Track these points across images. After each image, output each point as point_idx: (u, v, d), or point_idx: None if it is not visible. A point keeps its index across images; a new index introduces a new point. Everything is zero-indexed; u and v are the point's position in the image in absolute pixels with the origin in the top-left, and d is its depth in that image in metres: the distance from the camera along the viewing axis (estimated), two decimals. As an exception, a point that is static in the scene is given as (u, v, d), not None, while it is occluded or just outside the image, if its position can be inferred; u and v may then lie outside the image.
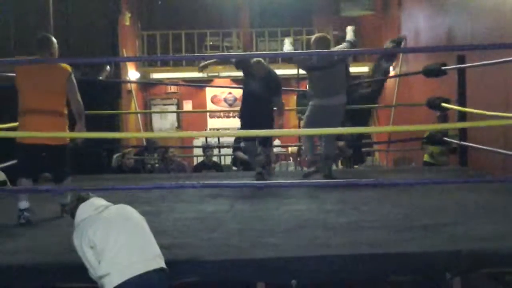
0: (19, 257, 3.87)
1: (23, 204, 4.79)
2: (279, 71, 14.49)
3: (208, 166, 9.27)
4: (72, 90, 5.00)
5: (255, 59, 6.71)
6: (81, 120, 5.01)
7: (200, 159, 10.71)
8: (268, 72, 6.68)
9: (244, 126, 6.69)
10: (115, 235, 3.30)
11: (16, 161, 5.10)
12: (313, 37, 6.74)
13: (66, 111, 5.01)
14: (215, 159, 10.01)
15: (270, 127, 6.49)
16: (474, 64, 6.72)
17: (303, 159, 10.61)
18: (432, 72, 7.26)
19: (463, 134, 7.28)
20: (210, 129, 14.74)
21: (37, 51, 5.02)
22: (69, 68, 5.02)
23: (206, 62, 6.98)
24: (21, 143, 4.84)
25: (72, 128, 5.06)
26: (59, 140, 4.90)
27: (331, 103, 6.38)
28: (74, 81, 5.04)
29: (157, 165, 10.02)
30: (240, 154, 8.44)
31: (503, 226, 4.30)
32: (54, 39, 5.11)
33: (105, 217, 3.40)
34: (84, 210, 3.45)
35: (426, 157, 8.61)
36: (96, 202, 3.52)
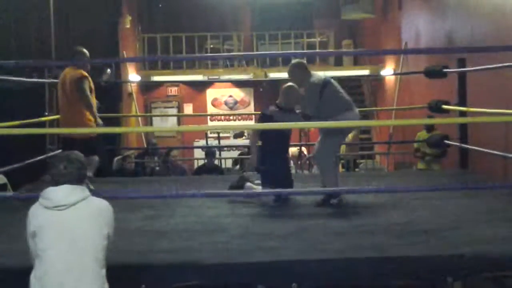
0: (18, 259, 3.86)
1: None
2: (279, 74, 14.66)
3: (209, 169, 9.26)
4: (78, 90, 5.90)
5: (287, 84, 5.69)
6: (89, 112, 5.95)
7: (201, 162, 10.72)
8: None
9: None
10: (56, 250, 2.99)
11: None
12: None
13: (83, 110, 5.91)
14: (215, 162, 10.01)
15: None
16: (475, 68, 6.71)
17: (303, 162, 10.61)
18: (434, 73, 7.25)
19: (463, 136, 7.27)
20: (210, 132, 14.77)
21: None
22: (80, 73, 5.88)
23: None
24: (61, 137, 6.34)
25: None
26: (80, 135, 5.83)
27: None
28: (82, 83, 5.88)
29: (157, 168, 10.02)
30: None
31: (504, 230, 4.30)
32: (82, 51, 6.05)
33: (59, 220, 3.04)
34: (47, 195, 3.10)
35: (419, 165, 8.68)
36: (61, 195, 3.08)
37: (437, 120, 7.85)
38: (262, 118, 5.83)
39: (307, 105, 5.50)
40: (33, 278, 3.01)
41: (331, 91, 5.48)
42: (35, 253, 3.04)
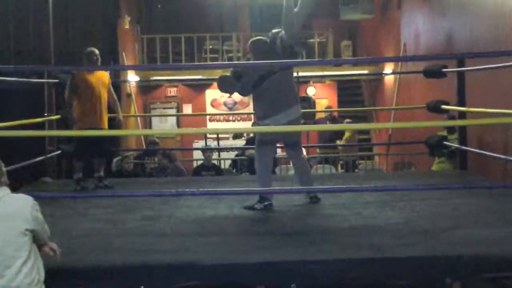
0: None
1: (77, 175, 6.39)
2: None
3: (208, 167, 9.30)
4: None
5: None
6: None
7: (200, 163, 10.71)
8: None
9: None
10: None
11: None
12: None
13: (77, 107, 6.33)
14: (214, 162, 10.01)
15: None
16: (474, 68, 6.70)
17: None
18: (433, 73, 7.24)
19: (463, 137, 7.26)
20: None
21: None
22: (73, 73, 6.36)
23: None
24: None
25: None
26: None
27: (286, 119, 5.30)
28: (69, 83, 6.33)
29: (156, 165, 9.98)
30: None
31: (503, 231, 4.30)
32: (89, 51, 6.42)
33: None
34: None
35: (434, 167, 8.52)
36: None
37: (435, 123, 7.81)
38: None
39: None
40: None
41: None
42: None
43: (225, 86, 5.57)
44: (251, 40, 5.66)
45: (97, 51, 6.43)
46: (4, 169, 3.34)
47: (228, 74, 5.53)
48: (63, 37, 9.38)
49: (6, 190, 3.27)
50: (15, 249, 3.10)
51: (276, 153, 5.72)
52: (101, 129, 6.39)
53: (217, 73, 15.14)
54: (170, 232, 4.54)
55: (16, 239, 3.12)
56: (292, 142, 5.60)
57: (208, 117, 16.30)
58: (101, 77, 6.49)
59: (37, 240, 3.25)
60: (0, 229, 3.11)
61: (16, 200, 3.25)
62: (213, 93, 16.58)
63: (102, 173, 6.61)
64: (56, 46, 8.44)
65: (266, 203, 5.25)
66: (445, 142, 7.53)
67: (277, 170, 9.55)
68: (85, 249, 3.93)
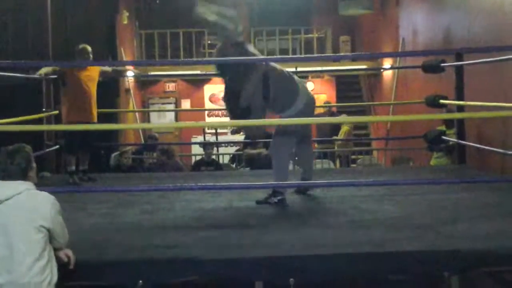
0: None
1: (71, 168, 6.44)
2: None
3: (207, 163, 9.32)
4: None
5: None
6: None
7: (198, 158, 10.73)
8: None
9: None
10: None
11: None
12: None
13: (66, 102, 6.40)
14: (213, 157, 10.03)
15: None
16: (472, 61, 6.70)
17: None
18: (431, 67, 7.24)
19: (461, 132, 7.27)
20: (208, 128, 14.78)
21: None
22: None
23: None
24: None
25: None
26: None
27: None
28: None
29: (154, 160, 10.00)
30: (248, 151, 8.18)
31: (501, 225, 4.30)
32: (81, 48, 6.39)
33: None
34: None
35: (432, 162, 8.52)
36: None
37: (434, 116, 7.84)
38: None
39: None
40: None
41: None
42: None
43: (254, 134, 5.43)
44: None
45: (89, 48, 6.40)
46: (34, 165, 3.37)
47: (247, 128, 5.41)
48: (62, 32, 9.37)
49: (30, 185, 3.25)
50: (28, 244, 3.06)
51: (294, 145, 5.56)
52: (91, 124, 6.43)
53: (214, 69, 15.23)
54: (168, 227, 4.54)
55: (31, 234, 3.08)
56: (306, 133, 5.55)
57: (206, 112, 16.29)
58: (92, 73, 6.48)
59: (53, 242, 3.21)
60: (15, 223, 3.07)
61: (37, 196, 3.22)
62: (211, 88, 16.57)
63: (86, 167, 6.74)
64: (55, 41, 8.43)
65: (279, 197, 5.20)
66: (443, 137, 7.54)
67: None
68: (84, 244, 3.93)
